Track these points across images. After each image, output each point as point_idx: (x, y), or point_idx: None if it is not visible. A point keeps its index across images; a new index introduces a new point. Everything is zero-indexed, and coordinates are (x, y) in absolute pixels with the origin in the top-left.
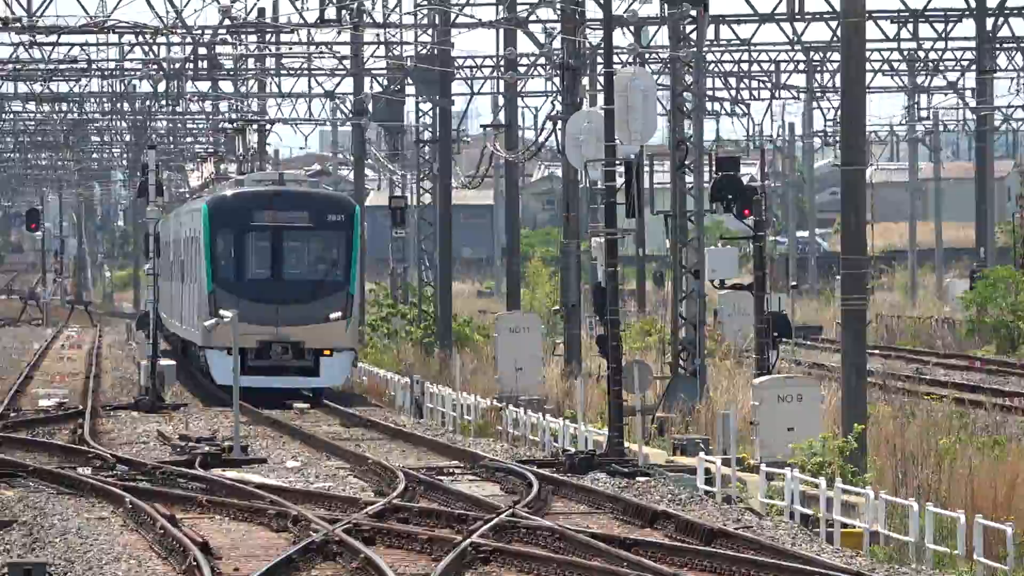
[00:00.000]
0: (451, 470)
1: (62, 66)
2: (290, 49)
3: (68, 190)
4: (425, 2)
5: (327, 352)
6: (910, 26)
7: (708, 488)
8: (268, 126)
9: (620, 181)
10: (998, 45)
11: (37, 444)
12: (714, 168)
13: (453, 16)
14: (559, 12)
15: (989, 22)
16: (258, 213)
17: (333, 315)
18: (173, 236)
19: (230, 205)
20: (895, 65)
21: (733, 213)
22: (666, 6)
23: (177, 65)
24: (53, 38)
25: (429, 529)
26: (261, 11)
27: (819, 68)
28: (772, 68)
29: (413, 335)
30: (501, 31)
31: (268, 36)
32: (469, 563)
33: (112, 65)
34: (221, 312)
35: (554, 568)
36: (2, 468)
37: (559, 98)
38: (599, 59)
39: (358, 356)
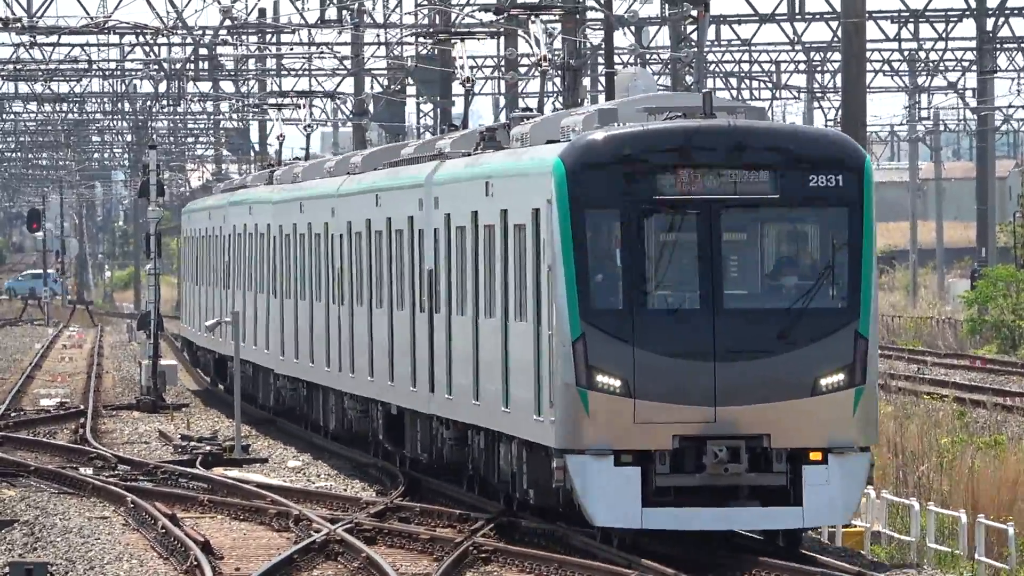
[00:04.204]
0: None
1: (63, 66)
2: (291, 49)
3: (69, 190)
4: (425, 1)
5: (815, 456)
6: (910, 26)
7: None
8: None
9: None
10: (998, 45)
11: (38, 444)
12: None
13: (454, 16)
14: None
15: (989, 22)
16: (665, 177)
17: (829, 380)
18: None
19: (609, 159)
20: (895, 65)
21: None
22: (667, 6)
23: (178, 65)
24: (54, 38)
25: (431, 529)
26: (262, 11)
27: (819, 68)
28: (773, 68)
29: None
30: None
31: (269, 36)
32: (471, 563)
33: (113, 65)
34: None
35: (555, 568)
36: (4, 468)
37: (559, 98)
38: (600, 59)
39: (873, 463)
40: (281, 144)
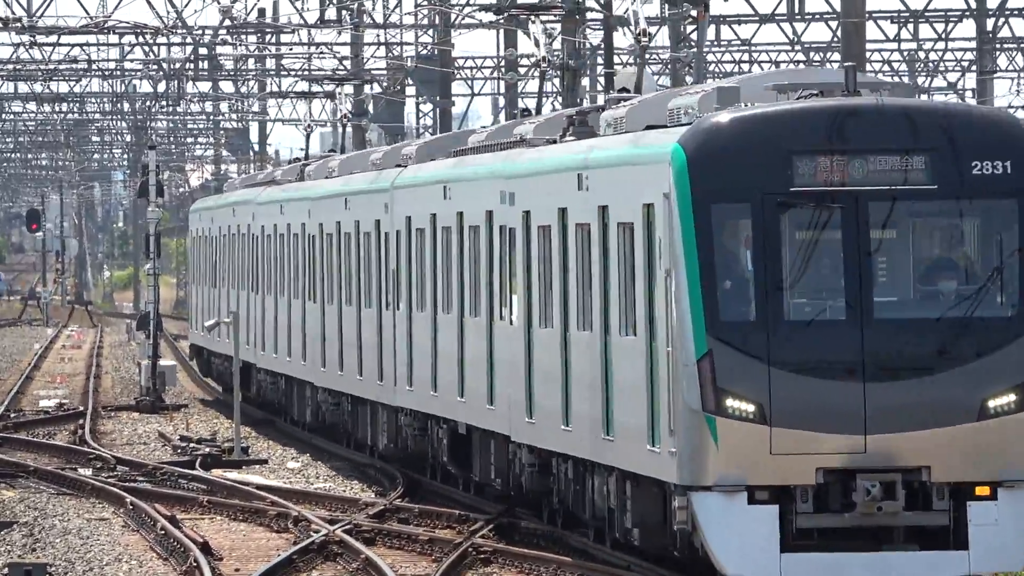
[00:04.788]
0: None
1: (62, 66)
2: (290, 49)
3: (68, 190)
4: (425, 2)
5: (982, 491)
6: (910, 26)
7: None
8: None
9: None
10: (998, 46)
11: (38, 445)
12: None
13: (454, 17)
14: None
15: (989, 22)
16: (805, 164)
17: (999, 401)
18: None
19: (740, 144)
20: (895, 65)
21: None
22: (667, 6)
23: (177, 65)
24: (53, 38)
25: (430, 530)
26: (261, 11)
27: (819, 68)
28: (772, 68)
29: None
30: (501, 32)
31: (268, 36)
32: (470, 564)
33: (112, 65)
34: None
35: (553, 568)
36: (3, 469)
37: (559, 98)
38: (599, 59)
39: None
40: (308, 136)
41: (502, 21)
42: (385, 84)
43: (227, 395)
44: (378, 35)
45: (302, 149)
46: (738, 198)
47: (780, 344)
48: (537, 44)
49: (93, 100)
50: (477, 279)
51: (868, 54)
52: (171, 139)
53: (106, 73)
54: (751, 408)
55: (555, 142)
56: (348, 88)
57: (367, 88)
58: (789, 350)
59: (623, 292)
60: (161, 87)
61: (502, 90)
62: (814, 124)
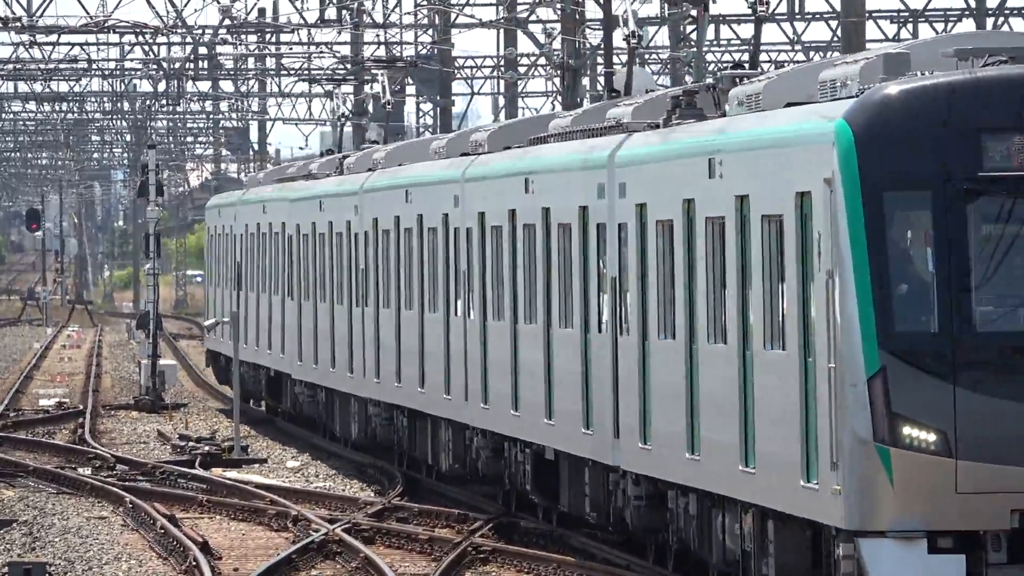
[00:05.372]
0: None
1: (62, 66)
2: (290, 49)
3: (68, 190)
4: (425, 2)
5: None
6: (910, 26)
7: None
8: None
9: None
10: None
11: (37, 444)
12: None
13: (453, 16)
14: (559, 12)
15: (989, 22)
16: (997, 145)
17: None
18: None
19: (918, 120)
20: None
21: None
22: (666, 6)
23: (177, 65)
24: (53, 38)
25: (429, 529)
26: (261, 11)
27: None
28: (772, 68)
29: None
30: (501, 31)
31: (268, 36)
32: (469, 563)
33: (112, 65)
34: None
35: (553, 568)
36: (2, 468)
37: (559, 98)
38: (599, 59)
39: None
40: (342, 125)
41: (502, 20)
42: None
43: (248, 405)
44: (378, 35)
45: (301, 148)
46: (916, 185)
47: (968, 360)
48: (537, 44)
49: (93, 99)
50: (567, 284)
51: None
52: (171, 138)
53: (106, 73)
54: (933, 437)
55: (659, 126)
56: (348, 87)
57: (367, 87)
58: (979, 368)
59: (769, 298)
60: (161, 86)
61: (502, 89)
62: (1007, 96)
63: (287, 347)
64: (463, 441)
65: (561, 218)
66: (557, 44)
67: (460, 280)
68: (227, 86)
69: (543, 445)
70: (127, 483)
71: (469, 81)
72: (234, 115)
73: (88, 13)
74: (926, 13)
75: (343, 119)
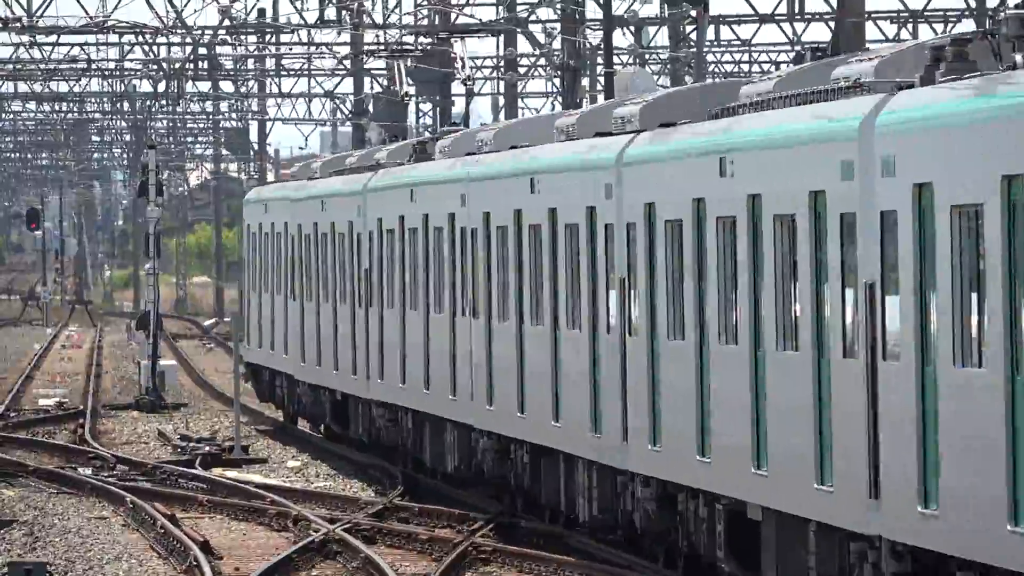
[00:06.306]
0: None
1: (62, 66)
2: (290, 49)
3: (68, 190)
4: (425, 1)
5: None
6: (910, 26)
7: None
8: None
9: None
10: None
11: (37, 444)
12: None
13: (453, 17)
14: (559, 12)
15: (989, 23)
16: None
17: None
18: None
19: None
20: None
21: None
22: (666, 6)
23: (177, 65)
24: (53, 38)
25: (430, 529)
26: (261, 11)
27: None
28: (772, 68)
29: None
30: (501, 33)
31: (268, 36)
32: (470, 563)
33: (112, 65)
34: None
35: (553, 568)
36: (3, 468)
37: (559, 99)
38: (599, 59)
39: None
40: (418, 102)
41: (502, 21)
42: (385, 84)
43: (291, 423)
44: (377, 35)
45: (301, 148)
46: None
47: None
48: (537, 44)
49: (93, 100)
50: (756, 290)
51: None
52: (171, 139)
53: (106, 73)
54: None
55: (914, 85)
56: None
57: (366, 87)
58: None
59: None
60: (161, 87)
61: (502, 90)
62: None
63: (358, 365)
64: (610, 487)
65: (782, 207)
66: (557, 44)
67: (622, 289)
68: (227, 86)
69: (718, 494)
70: (127, 483)
71: (469, 82)
72: (234, 115)
73: (88, 13)
74: (925, 13)
75: (406, 97)
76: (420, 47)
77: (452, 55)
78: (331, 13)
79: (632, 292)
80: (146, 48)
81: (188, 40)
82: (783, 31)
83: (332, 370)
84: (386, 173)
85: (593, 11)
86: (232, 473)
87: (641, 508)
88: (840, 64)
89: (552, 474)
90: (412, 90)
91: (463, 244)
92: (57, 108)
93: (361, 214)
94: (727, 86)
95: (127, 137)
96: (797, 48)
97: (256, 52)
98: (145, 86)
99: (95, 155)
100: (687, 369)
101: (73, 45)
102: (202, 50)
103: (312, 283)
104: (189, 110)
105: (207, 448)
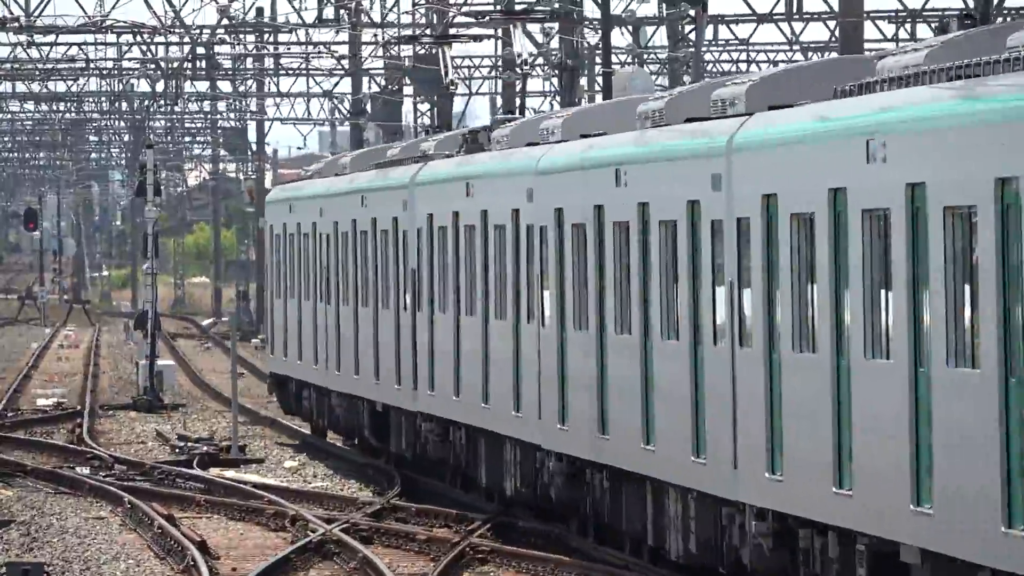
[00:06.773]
0: None
1: (60, 66)
2: (288, 49)
3: (66, 190)
4: (423, 2)
5: None
6: (908, 26)
7: None
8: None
9: None
10: None
11: (35, 444)
12: None
13: (451, 15)
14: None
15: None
16: None
17: None
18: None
19: None
20: None
21: None
22: (664, 6)
23: (175, 65)
24: (51, 38)
25: (427, 529)
26: (259, 11)
27: None
28: (771, 68)
29: None
30: (499, 30)
31: (266, 36)
32: (467, 563)
33: (110, 65)
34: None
35: (551, 568)
36: (0, 468)
37: (557, 98)
38: (598, 59)
39: None
40: (455, 87)
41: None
42: (383, 83)
43: (319, 437)
44: (376, 35)
45: (299, 148)
46: None
47: None
48: (535, 44)
49: (91, 99)
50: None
51: (866, 54)
52: (169, 138)
53: (104, 72)
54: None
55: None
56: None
57: (364, 87)
58: None
59: None
60: (159, 86)
61: (499, 89)
62: None
63: (403, 375)
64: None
65: (961, 197)
66: (555, 44)
67: (729, 293)
68: (225, 86)
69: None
70: (125, 483)
71: (467, 81)
72: (232, 115)
73: (86, 13)
74: (924, 13)
75: (452, 85)
76: (421, 47)
77: (441, 60)
78: (329, 12)
79: (743, 296)
80: (144, 48)
81: (186, 40)
82: (781, 31)
83: (372, 380)
84: (436, 165)
85: (591, 10)
86: (230, 473)
87: (751, 544)
88: (1015, 30)
89: (637, 502)
90: (411, 89)
91: (529, 243)
92: (55, 108)
93: (408, 209)
94: (851, 62)
95: (125, 137)
96: (938, 22)
97: (254, 52)
98: (143, 86)
99: (93, 155)
100: (819, 385)
101: (71, 45)
102: (200, 50)
103: (349, 286)
104: (187, 110)
105: (205, 448)
